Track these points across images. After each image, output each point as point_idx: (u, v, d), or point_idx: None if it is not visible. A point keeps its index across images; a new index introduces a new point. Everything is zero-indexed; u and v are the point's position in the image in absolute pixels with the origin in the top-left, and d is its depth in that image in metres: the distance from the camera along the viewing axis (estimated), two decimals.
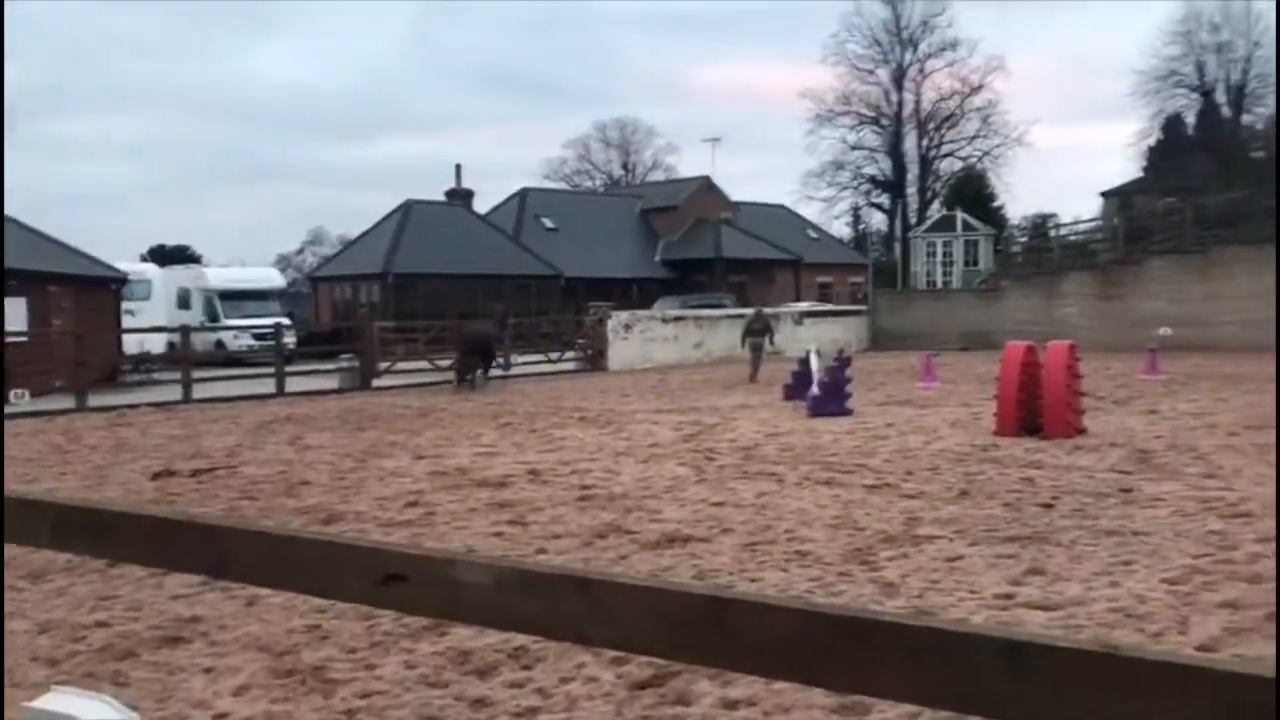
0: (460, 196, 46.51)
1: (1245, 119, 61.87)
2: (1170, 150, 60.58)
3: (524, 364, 26.11)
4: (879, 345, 35.10)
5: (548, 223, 48.06)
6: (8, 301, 19.76)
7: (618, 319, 28.64)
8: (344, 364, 23.68)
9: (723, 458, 11.61)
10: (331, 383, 22.71)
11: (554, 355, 27.52)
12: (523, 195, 50.05)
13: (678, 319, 30.80)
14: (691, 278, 47.73)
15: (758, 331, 23.23)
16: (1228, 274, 30.05)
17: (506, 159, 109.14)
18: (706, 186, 52.62)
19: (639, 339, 28.89)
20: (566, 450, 12.46)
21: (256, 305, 33.97)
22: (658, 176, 75.16)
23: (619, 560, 7.12)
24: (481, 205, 49.28)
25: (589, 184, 77.99)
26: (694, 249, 48.93)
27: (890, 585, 6.37)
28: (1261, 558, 6.75)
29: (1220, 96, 61.81)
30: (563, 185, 74.47)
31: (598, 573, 1.56)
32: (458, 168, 47.78)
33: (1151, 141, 63.47)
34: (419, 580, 1.68)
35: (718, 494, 9.42)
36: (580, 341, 28.65)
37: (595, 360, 27.75)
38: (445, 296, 39.87)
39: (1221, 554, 6.92)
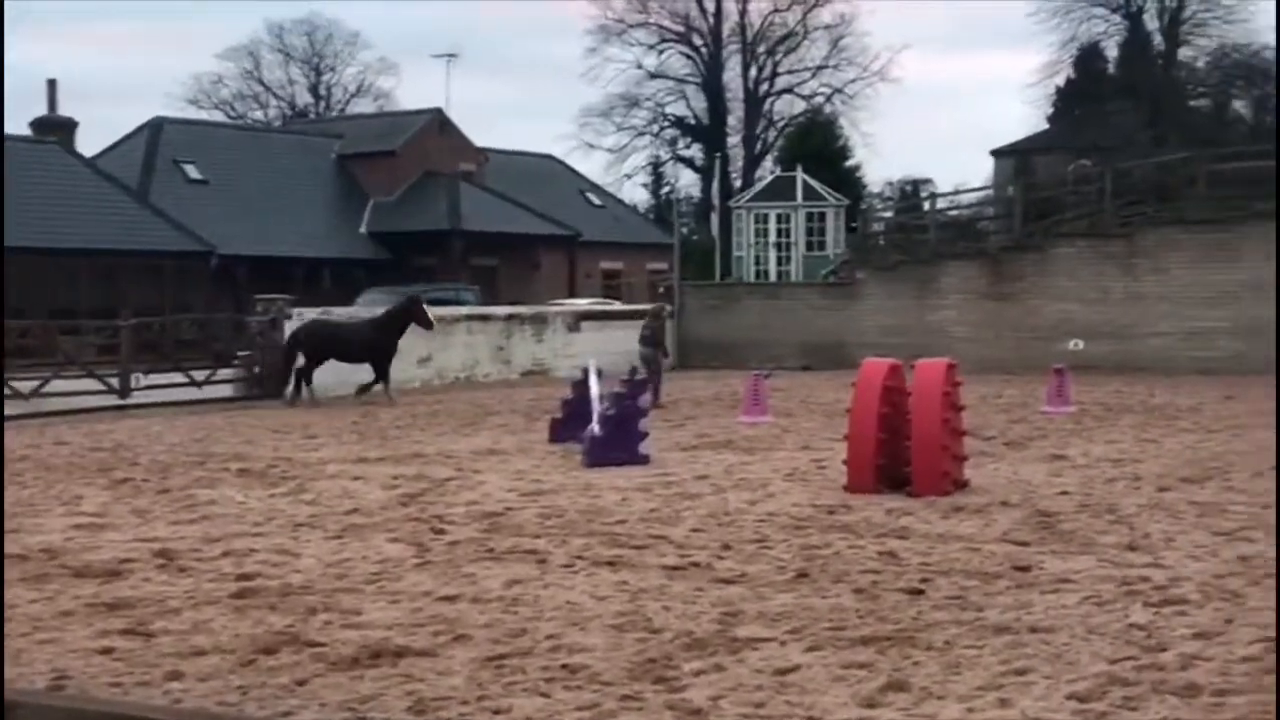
0: (55, 128, 44.89)
1: (1182, 54, 66.85)
2: (1085, 93, 64.70)
3: (151, 387, 25.34)
4: (689, 361, 35.84)
5: (193, 172, 46.90)
6: None
7: (302, 320, 28.15)
8: None
9: (458, 529, 11.56)
10: None
11: (200, 375, 26.83)
12: (155, 130, 48.62)
13: None
14: (415, 259, 47.49)
15: (648, 339, 24.06)
16: (1158, 265, 32.33)
17: (130, 74, 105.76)
18: (439, 124, 52.52)
19: None
20: (217, 520, 12.18)
21: None
22: (365, 107, 74.67)
23: (294, 688, 6.98)
24: (90, 143, 47.64)
25: (258, 115, 76.54)
26: (419, 216, 48.73)
27: (696, 713, 6.47)
28: (1197, 661, 7.25)
29: (1151, 22, 66.53)
30: (218, 116, 72.80)
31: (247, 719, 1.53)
32: (51, 85, 46.30)
33: (1060, 81, 67.71)
34: None
35: (449, 584, 9.38)
36: (242, 354, 28.08)
37: (266, 382, 27.26)
38: (26, 283, 38.09)
39: (1147, 656, 7.37)
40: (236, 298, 38.54)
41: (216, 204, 45.14)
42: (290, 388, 25.14)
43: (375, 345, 25.64)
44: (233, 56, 76.51)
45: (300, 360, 25.36)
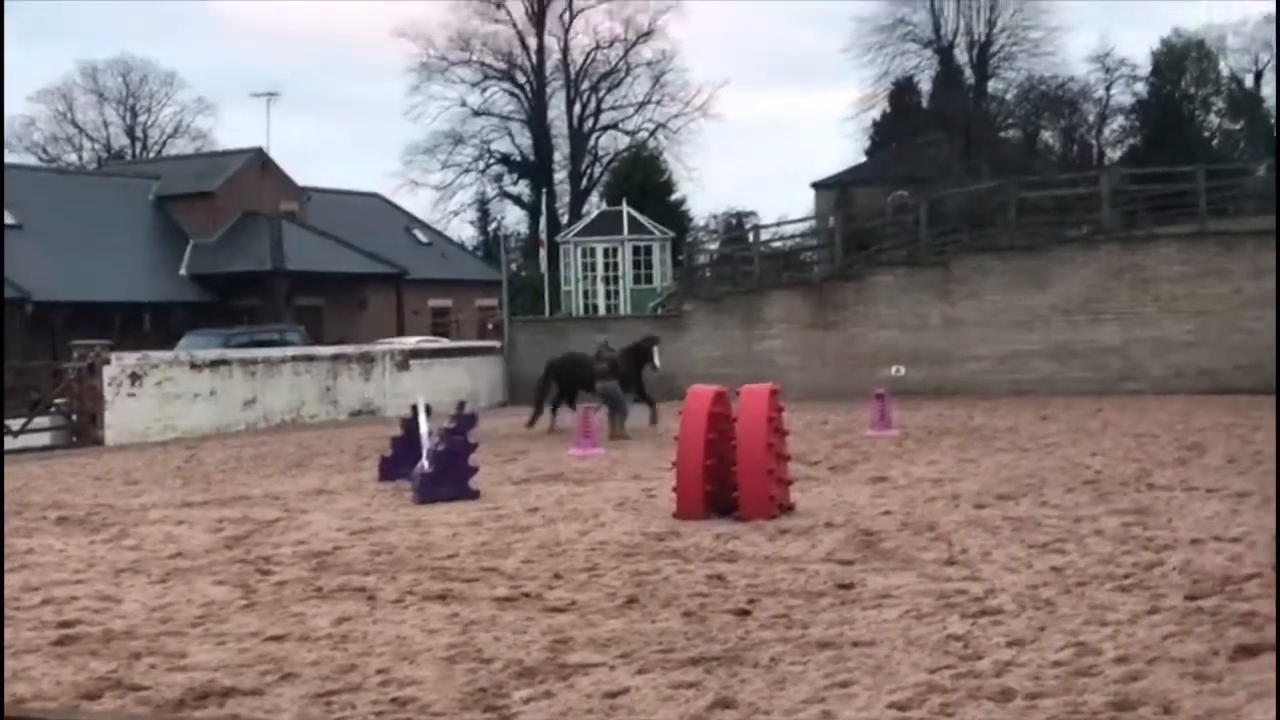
0: None
1: (992, 86, 69.00)
2: (900, 127, 66.37)
3: None
4: (520, 397, 35.75)
5: (5, 217, 45.63)
6: None
7: (120, 365, 27.67)
8: None
9: (285, 569, 11.49)
10: None
11: (16, 424, 26.20)
12: None
13: (217, 364, 30.08)
14: (238, 300, 46.74)
15: (603, 372, 25.02)
16: (973, 291, 33.22)
17: None
18: (259, 164, 51.87)
19: (155, 396, 28.01)
20: (36, 569, 11.92)
21: None
22: (184, 148, 73.41)
23: None
24: None
25: (73, 157, 74.83)
26: (241, 257, 47.99)
27: None
28: (1011, 667, 7.53)
29: (961, 56, 68.50)
30: (30, 159, 71.02)
31: None
32: None
33: (876, 115, 69.36)
34: None
35: (277, 624, 9.32)
36: (59, 402, 27.51)
37: (84, 429, 26.79)
38: None
39: (964, 664, 7.66)
40: (53, 344, 37.58)
41: (30, 249, 43.87)
42: (542, 414, 25.86)
43: (620, 378, 26.01)
44: (45, 99, 74.72)
45: (554, 390, 26.22)
